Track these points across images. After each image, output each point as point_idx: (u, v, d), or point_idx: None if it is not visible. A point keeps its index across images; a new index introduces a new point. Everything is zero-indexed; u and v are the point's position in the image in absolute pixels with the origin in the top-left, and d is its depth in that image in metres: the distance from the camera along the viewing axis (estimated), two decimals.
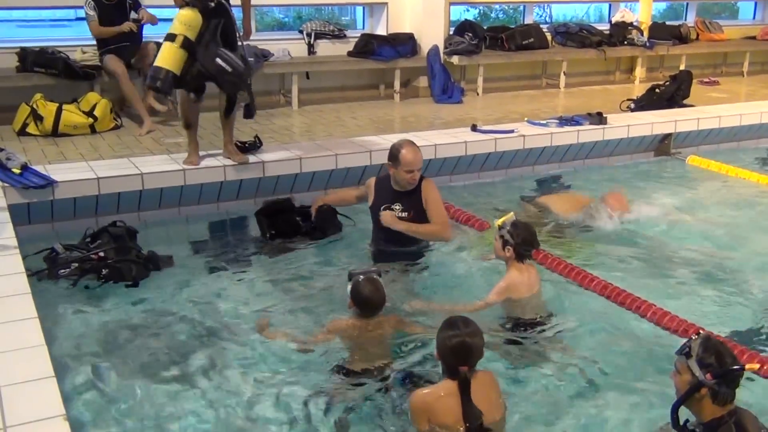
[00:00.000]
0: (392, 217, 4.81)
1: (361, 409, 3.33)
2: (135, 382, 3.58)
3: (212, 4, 5.08)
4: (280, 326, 4.06)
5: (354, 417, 3.29)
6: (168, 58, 5.11)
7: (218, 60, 5.12)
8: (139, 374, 3.65)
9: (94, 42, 7.28)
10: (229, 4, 5.25)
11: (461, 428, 2.95)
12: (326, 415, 3.31)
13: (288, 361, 3.76)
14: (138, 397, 3.46)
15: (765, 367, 3.61)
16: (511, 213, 4.36)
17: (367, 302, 3.71)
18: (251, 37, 8.33)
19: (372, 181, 5.09)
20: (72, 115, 6.83)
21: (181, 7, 5.14)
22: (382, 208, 4.89)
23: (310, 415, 3.32)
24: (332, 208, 5.30)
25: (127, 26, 7.10)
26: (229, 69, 5.13)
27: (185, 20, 5.08)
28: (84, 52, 7.49)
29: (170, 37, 5.12)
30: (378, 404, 3.34)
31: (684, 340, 2.86)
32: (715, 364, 2.67)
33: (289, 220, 5.24)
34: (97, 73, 7.32)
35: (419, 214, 4.83)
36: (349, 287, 3.75)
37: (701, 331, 2.90)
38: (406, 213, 4.84)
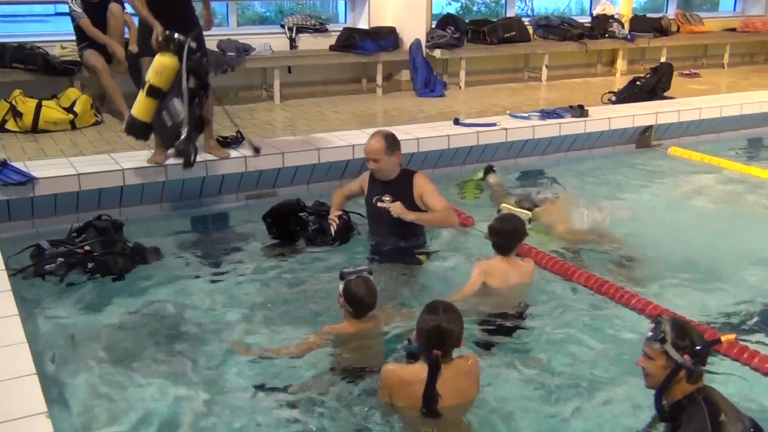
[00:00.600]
0: (402, 208, 4.77)
1: (352, 407, 3.33)
2: (120, 378, 3.56)
3: (192, 45, 4.96)
4: (263, 328, 4.04)
5: (346, 414, 3.29)
6: (137, 106, 5.11)
7: (163, 112, 4.98)
8: (124, 370, 3.63)
9: (74, 37, 7.23)
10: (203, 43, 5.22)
11: (416, 411, 3.05)
12: (315, 413, 3.30)
13: (277, 359, 3.75)
14: (123, 394, 3.45)
15: (735, 350, 3.71)
16: (527, 212, 4.36)
17: (360, 302, 3.70)
18: (234, 31, 8.37)
19: (367, 173, 5.11)
20: (52, 111, 6.77)
21: (158, 51, 5.04)
22: (374, 200, 4.91)
23: (300, 412, 3.32)
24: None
25: (120, 52, 7.06)
26: (168, 123, 4.95)
27: (156, 67, 4.99)
28: (63, 48, 7.43)
29: (144, 84, 5.10)
30: (371, 402, 3.34)
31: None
32: (690, 345, 2.73)
33: (298, 222, 5.07)
34: (77, 69, 7.27)
35: (409, 208, 4.83)
36: (341, 286, 3.74)
37: (663, 315, 2.89)
38: (397, 203, 4.86)
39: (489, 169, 6.39)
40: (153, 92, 5.00)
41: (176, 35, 4.95)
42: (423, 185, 4.88)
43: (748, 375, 3.61)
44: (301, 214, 5.09)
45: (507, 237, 4.22)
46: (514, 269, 4.24)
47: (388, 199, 4.85)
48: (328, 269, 4.62)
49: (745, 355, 3.70)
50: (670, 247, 5.14)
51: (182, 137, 4.95)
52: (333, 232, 4.97)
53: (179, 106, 4.92)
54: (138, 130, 5.15)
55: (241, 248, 5.16)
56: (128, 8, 6.95)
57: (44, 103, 6.78)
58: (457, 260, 4.85)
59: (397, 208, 4.76)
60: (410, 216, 4.76)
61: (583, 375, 3.63)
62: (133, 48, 6.83)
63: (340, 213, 5.06)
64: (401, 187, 4.88)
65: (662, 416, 2.84)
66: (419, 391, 3.04)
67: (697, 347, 2.74)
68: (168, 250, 5.02)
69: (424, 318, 3.10)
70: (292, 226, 5.04)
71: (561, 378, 3.61)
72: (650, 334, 2.81)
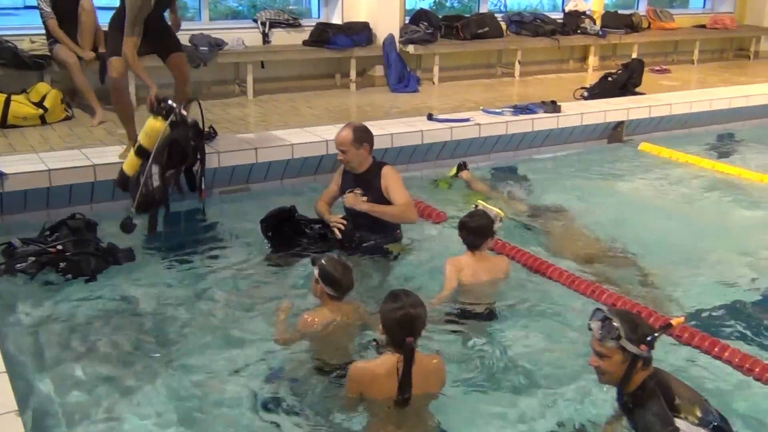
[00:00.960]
0: (355, 198, 4.81)
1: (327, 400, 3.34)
2: (91, 377, 3.54)
3: (174, 119, 4.93)
4: (237, 326, 4.04)
5: (321, 408, 3.30)
6: (127, 162, 5.10)
7: (140, 176, 4.94)
8: (95, 370, 3.61)
9: (44, 31, 7.14)
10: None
11: (387, 402, 3.07)
12: (291, 409, 3.31)
13: (248, 356, 3.74)
14: (94, 392, 3.43)
15: (686, 335, 3.83)
16: (499, 211, 4.38)
17: (338, 281, 3.68)
18: (206, 26, 8.32)
19: (339, 170, 5.12)
20: (21, 106, 6.68)
21: (151, 113, 5.05)
22: (346, 192, 4.93)
23: (280, 408, 3.32)
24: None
25: (88, 56, 7.01)
26: (143, 190, 4.90)
27: (146, 128, 4.99)
28: (33, 42, 7.32)
29: (135, 143, 5.11)
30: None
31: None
32: (643, 335, 2.76)
33: (295, 228, 4.99)
34: (47, 63, 7.17)
35: (378, 200, 4.84)
36: (316, 271, 3.72)
37: (604, 310, 2.88)
38: (365, 197, 4.86)
39: (462, 166, 6.41)
40: (140, 152, 4.99)
41: (169, 101, 4.99)
42: (389, 177, 4.89)
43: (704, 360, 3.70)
44: (301, 221, 5.04)
45: (473, 233, 4.26)
46: (484, 265, 4.27)
47: (359, 191, 4.87)
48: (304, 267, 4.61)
49: (697, 339, 3.84)
50: (641, 241, 5.20)
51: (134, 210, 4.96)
52: (341, 235, 4.84)
53: (155, 171, 4.91)
54: (125, 184, 5.14)
55: (215, 245, 5.14)
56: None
57: (13, 97, 6.68)
58: (429, 255, 4.88)
59: (350, 199, 4.79)
60: (363, 206, 4.79)
61: (550, 371, 3.66)
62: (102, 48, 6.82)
63: (339, 217, 4.94)
64: (371, 179, 4.89)
65: (625, 409, 2.87)
66: (391, 382, 3.05)
67: (651, 335, 2.77)
68: (140, 248, 4.98)
69: (390, 308, 3.09)
70: (288, 232, 4.98)
71: (528, 373, 3.64)
72: (600, 332, 2.80)
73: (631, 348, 2.74)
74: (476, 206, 4.44)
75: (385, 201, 4.84)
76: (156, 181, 4.89)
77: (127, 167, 5.08)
